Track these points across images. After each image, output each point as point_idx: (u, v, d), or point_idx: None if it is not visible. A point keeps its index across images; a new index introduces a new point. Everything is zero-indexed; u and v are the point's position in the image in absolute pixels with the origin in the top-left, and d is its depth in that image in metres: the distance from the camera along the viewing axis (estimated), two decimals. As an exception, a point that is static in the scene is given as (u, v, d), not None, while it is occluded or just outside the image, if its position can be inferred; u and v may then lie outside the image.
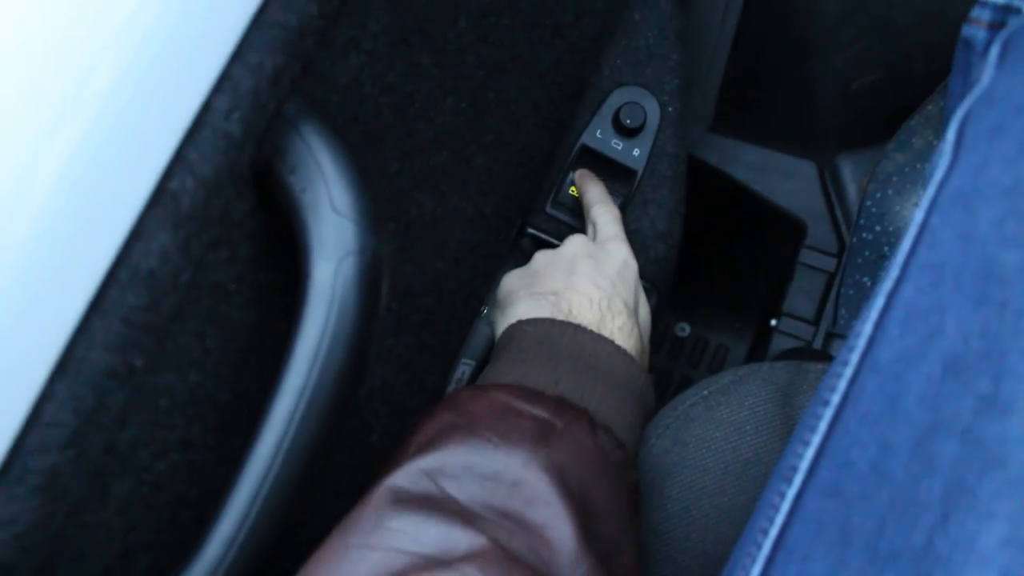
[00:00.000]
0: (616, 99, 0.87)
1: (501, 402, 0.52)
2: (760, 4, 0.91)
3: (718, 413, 0.65)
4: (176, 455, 0.48)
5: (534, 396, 0.53)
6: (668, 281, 0.90)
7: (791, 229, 1.04)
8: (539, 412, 0.52)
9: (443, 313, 0.71)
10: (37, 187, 0.37)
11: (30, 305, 0.37)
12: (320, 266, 0.44)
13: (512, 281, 0.73)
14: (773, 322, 1.03)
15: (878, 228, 0.96)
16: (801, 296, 1.02)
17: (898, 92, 0.96)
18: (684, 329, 1.23)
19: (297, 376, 0.44)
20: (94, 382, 0.39)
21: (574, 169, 0.87)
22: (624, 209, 0.87)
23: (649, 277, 0.85)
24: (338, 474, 0.61)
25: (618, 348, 0.61)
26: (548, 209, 0.87)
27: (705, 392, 0.67)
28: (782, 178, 1.03)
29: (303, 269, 0.45)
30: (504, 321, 0.68)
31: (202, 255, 0.44)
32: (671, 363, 1.24)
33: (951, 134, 0.45)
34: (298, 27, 0.44)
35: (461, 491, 0.47)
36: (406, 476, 0.48)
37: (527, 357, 0.59)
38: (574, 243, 0.73)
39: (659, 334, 1.25)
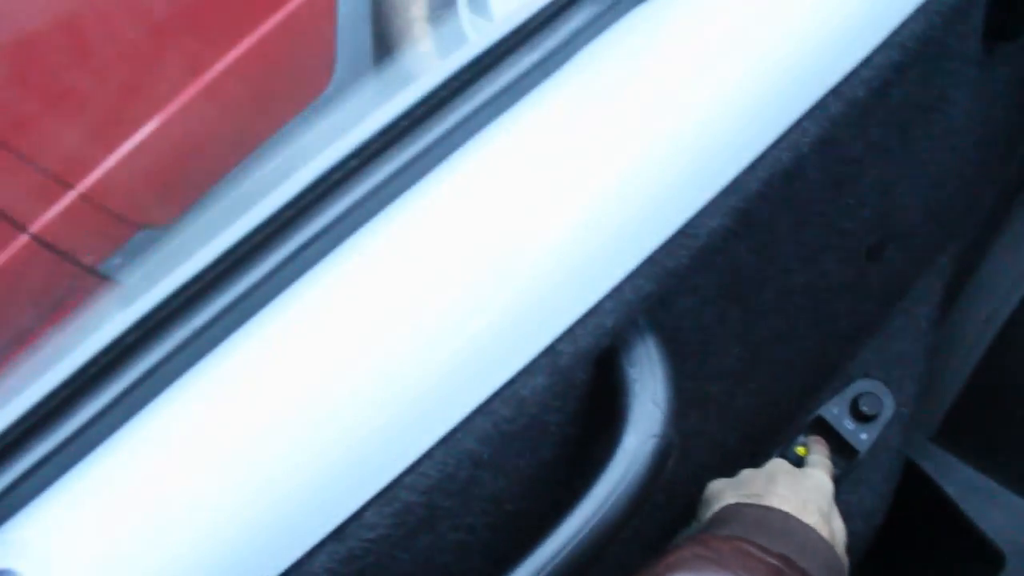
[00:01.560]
0: (859, 386, 1.03)
1: (742, 547, 0.67)
2: (1017, 338, 1.05)
3: None
4: (461, 534, 0.67)
5: (764, 549, 0.68)
6: (858, 556, 1.02)
7: (989, 558, 1.13)
8: (772, 560, 0.66)
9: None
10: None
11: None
12: (631, 437, 0.63)
13: (719, 483, 0.89)
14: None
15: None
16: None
17: None
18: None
19: (590, 505, 0.62)
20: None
21: (805, 434, 1.03)
22: (838, 483, 1.01)
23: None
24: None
25: (822, 536, 0.75)
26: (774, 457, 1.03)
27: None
28: (992, 505, 1.12)
29: (615, 433, 0.64)
30: (712, 511, 0.83)
31: (548, 400, 0.65)
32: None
33: None
34: (674, 270, 0.66)
35: None
36: None
37: (748, 528, 0.74)
38: (776, 462, 0.88)
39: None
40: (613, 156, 0.61)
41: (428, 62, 1.81)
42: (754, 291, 0.80)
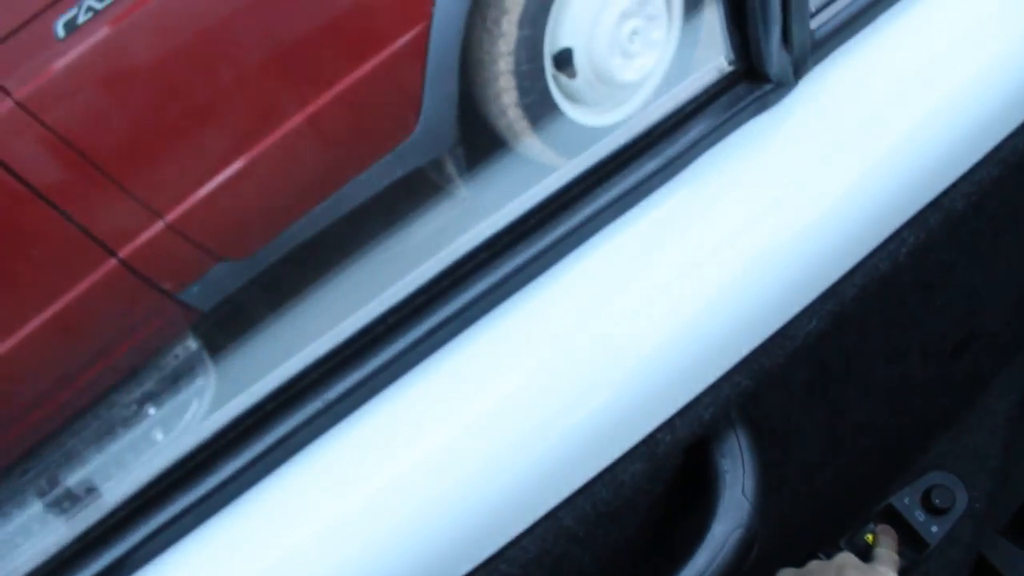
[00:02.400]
0: (933, 478, 1.06)
1: None
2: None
3: None
4: None
5: None
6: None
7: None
8: None
9: None
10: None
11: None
12: (720, 526, 0.68)
13: (788, 573, 0.92)
14: None
15: None
16: None
17: None
18: None
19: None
20: None
21: (875, 522, 1.05)
22: (905, 575, 1.04)
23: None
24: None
25: None
26: (841, 545, 1.06)
27: None
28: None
29: (704, 520, 0.68)
30: None
31: (643, 484, 0.69)
32: None
33: None
34: (769, 368, 0.70)
35: None
36: None
37: None
38: (844, 556, 0.91)
39: None
40: (722, 263, 0.66)
41: (515, 117, 1.88)
42: (839, 386, 0.84)
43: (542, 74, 1.89)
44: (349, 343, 0.60)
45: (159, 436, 1.79)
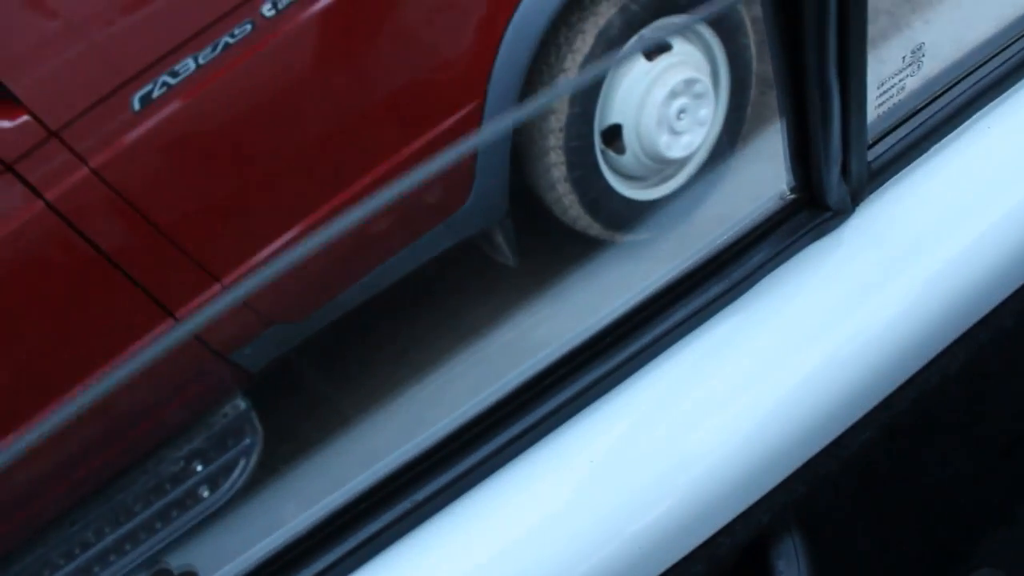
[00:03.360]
0: (983, 574, 1.10)
1: None
2: None
3: None
4: None
5: None
6: None
7: None
8: None
9: None
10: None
11: None
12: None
13: None
14: None
15: None
16: None
17: None
18: None
19: None
20: None
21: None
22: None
23: None
24: None
25: None
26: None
27: None
28: None
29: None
30: None
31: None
32: None
33: None
34: (824, 475, 0.75)
35: None
36: None
37: None
38: None
39: None
40: (782, 378, 0.71)
41: (564, 190, 1.95)
42: (890, 488, 0.89)
43: (591, 149, 1.96)
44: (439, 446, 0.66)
45: (205, 494, 1.85)
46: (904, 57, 0.72)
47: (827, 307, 0.73)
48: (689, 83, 1.99)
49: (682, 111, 2.00)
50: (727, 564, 0.75)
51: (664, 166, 2.07)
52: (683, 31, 2.00)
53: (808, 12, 0.60)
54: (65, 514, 1.82)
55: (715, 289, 0.70)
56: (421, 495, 0.65)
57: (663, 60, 1.95)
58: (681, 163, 2.09)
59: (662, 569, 0.70)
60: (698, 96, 2.02)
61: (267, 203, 1.70)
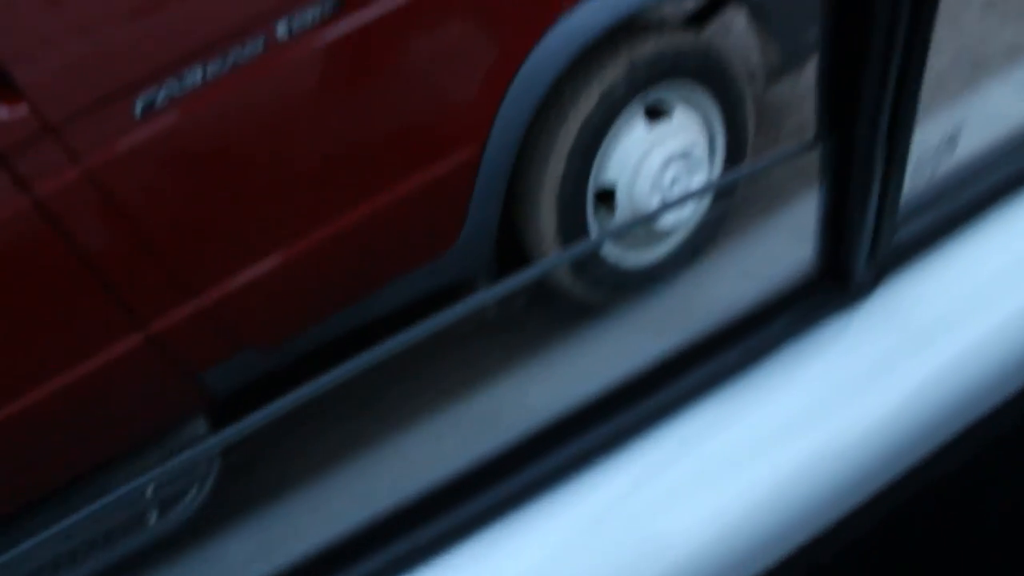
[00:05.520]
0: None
1: None
2: None
3: None
4: None
5: None
6: None
7: None
8: None
9: None
10: None
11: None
12: None
13: None
14: None
15: None
16: None
17: None
18: None
19: None
20: None
21: None
22: None
23: None
24: None
25: None
26: None
27: None
28: None
29: None
30: None
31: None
32: None
33: None
34: (816, 564, 0.73)
35: None
36: None
37: None
38: None
39: None
40: (786, 455, 0.69)
41: (552, 245, 1.95)
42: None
43: (584, 207, 1.96)
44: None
45: (152, 518, 1.78)
46: (940, 140, 0.73)
47: (840, 384, 0.72)
48: (686, 152, 2.01)
49: (676, 180, 2.01)
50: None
51: (652, 233, 2.08)
52: (685, 99, 2.03)
53: (866, 90, 0.60)
54: (11, 522, 1.75)
55: (730, 357, 0.69)
56: (393, 554, 0.62)
57: (662, 126, 1.97)
58: (668, 233, 2.10)
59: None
60: (693, 166, 2.04)
61: (255, 225, 1.68)
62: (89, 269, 1.54)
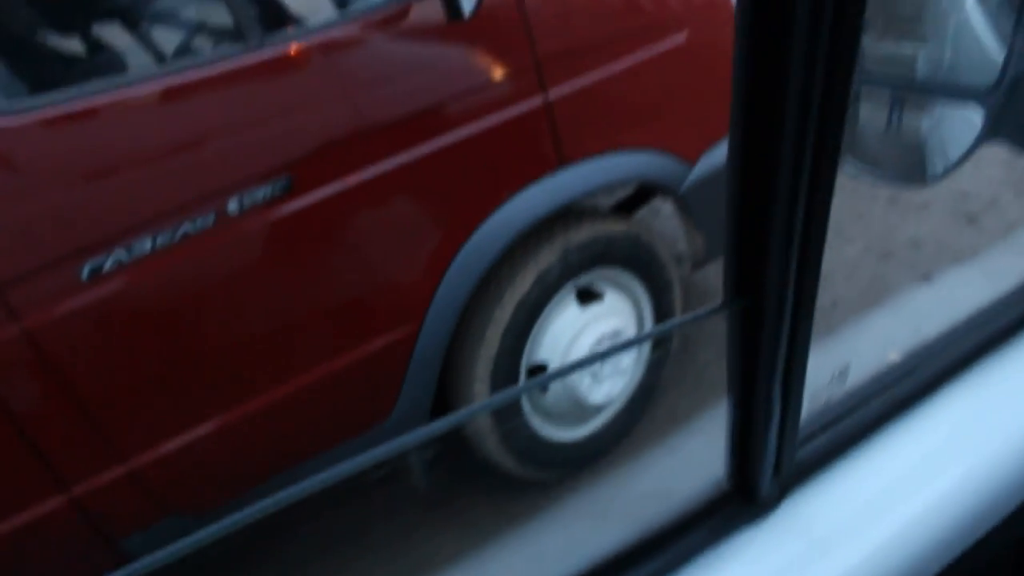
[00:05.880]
0: None
1: None
2: None
3: None
4: None
5: None
6: None
7: None
8: None
9: None
10: None
11: None
12: None
13: None
14: None
15: None
16: None
17: None
18: None
19: None
20: None
21: None
22: None
23: None
24: None
25: None
26: None
27: None
28: None
29: None
30: None
31: None
32: None
33: None
34: None
35: None
36: None
37: None
38: None
39: None
40: None
41: (484, 420, 1.99)
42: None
43: (516, 383, 2.02)
44: None
45: None
46: (833, 374, 0.80)
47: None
48: (616, 332, 2.10)
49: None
50: None
51: (583, 410, 2.14)
52: (615, 283, 2.12)
53: (766, 337, 0.67)
54: None
55: (646, 569, 0.73)
56: None
57: (594, 308, 2.06)
58: (599, 409, 2.16)
59: None
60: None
61: (192, 392, 1.69)
62: (15, 428, 1.53)
